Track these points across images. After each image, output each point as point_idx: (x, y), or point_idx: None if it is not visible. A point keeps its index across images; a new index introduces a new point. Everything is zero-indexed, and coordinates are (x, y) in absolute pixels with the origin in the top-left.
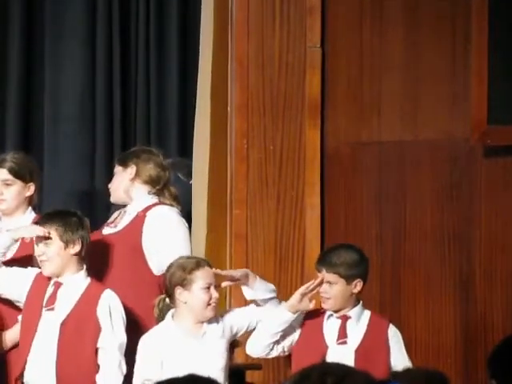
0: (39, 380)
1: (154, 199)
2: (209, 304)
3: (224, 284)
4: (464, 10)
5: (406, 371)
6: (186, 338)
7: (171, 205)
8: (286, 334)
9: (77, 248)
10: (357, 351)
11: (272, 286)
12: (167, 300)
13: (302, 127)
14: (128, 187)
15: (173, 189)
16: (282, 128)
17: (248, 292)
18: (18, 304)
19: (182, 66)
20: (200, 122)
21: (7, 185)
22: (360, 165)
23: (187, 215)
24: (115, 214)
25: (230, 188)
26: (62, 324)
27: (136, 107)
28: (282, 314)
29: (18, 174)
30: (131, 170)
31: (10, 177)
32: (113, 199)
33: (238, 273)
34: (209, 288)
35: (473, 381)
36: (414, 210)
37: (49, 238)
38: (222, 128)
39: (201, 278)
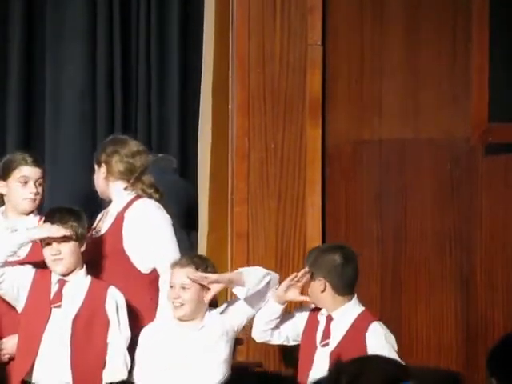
0: (52, 378)
1: (131, 195)
2: (172, 302)
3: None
4: (465, 7)
5: (420, 369)
6: (183, 332)
7: (150, 195)
8: (286, 322)
9: (84, 246)
10: (332, 353)
11: (262, 272)
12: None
13: (302, 126)
14: (105, 187)
15: (147, 177)
16: (282, 126)
17: (239, 292)
18: (15, 304)
19: (182, 66)
20: (203, 121)
21: (40, 184)
22: (361, 163)
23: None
24: (98, 217)
25: (231, 187)
26: (74, 321)
27: (137, 106)
28: (270, 304)
29: (44, 173)
30: (103, 169)
31: (42, 175)
32: (100, 196)
33: (214, 277)
34: (173, 287)
35: (474, 379)
36: (414, 208)
37: (67, 236)
38: (223, 127)
39: (171, 277)
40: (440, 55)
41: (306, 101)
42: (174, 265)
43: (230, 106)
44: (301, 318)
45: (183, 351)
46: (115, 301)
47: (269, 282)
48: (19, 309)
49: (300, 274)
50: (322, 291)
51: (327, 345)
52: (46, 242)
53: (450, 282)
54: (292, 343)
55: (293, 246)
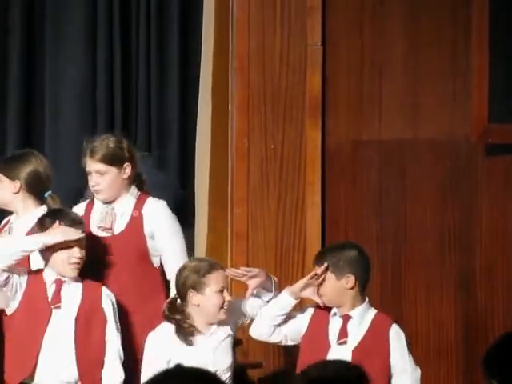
0: (57, 378)
1: (134, 192)
2: (221, 307)
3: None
4: (465, 8)
5: None
6: (193, 338)
7: (148, 193)
8: (289, 321)
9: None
10: (354, 351)
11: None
12: (178, 301)
13: (302, 126)
14: (122, 187)
15: (144, 176)
16: (282, 127)
17: (266, 295)
18: (6, 304)
19: (182, 66)
20: (202, 121)
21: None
22: (360, 163)
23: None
24: (107, 218)
25: (230, 187)
26: (76, 320)
27: (137, 107)
28: (283, 298)
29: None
30: (128, 168)
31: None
32: (106, 199)
33: (256, 270)
34: (222, 291)
35: (474, 379)
36: (414, 208)
37: (81, 238)
38: (222, 127)
39: (214, 281)
40: (440, 55)
41: (305, 101)
42: (215, 268)
43: (229, 107)
44: (303, 318)
45: (192, 359)
46: (110, 300)
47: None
48: (10, 310)
49: (320, 270)
50: (351, 288)
51: (345, 343)
52: (61, 246)
53: (450, 282)
54: (289, 343)
55: (292, 246)
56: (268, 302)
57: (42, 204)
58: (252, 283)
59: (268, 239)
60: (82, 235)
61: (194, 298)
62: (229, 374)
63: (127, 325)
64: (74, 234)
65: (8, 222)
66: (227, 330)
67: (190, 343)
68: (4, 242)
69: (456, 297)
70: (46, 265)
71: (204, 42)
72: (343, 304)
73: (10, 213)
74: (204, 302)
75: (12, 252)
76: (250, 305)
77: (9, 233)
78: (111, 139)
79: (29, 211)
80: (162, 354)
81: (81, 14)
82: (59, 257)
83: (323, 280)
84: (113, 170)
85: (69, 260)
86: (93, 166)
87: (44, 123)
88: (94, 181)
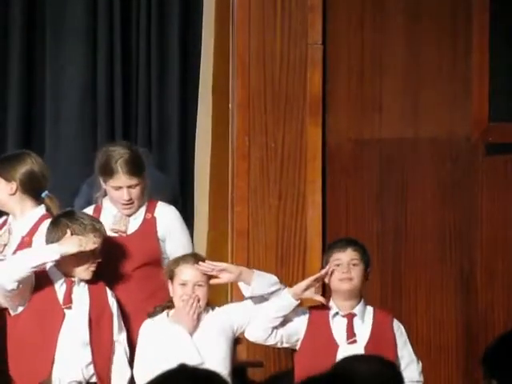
0: (74, 377)
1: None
2: (182, 300)
3: (213, 281)
4: (465, 6)
5: None
6: (177, 331)
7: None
8: (286, 322)
9: None
10: (366, 348)
11: (274, 279)
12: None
13: (303, 124)
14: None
15: None
16: (283, 125)
17: (245, 289)
18: (18, 305)
19: (183, 65)
20: (202, 120)
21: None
22: (361, 162)
23: None
24: (121, 221)
25: (231, 185)
26: (89, 319)
27: (137, 107)
28: (284, 298)
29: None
30: (145, 175)
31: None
32: (132, 211)
33: (224, 265)
34: (184, 284)
35: (474, 378)
36: (414, 207)
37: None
38: (223, 126)
39: (179, 273)
40: (440, 55)
41: (306, 100)
42: (183, 262)
43: (230, 105)
44: (300, 321)
45: (176, 353)
46: (114, 300)
47: (275, 292)
48: (15, 311)
49: (324, 271)
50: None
51: (355, 342)
52: (83, 255)
53: (451, 280)
54: (284, 345)
55: (293, 245)
56: (250, 297)
57: (39, 204)
58: (223, 278)
59: (269, 237)
60: (98, 244)
61: (170, 288)
62: (220, 368)
63: (134, 323)
64: (91, 243)
65: (5, 222)
66: (217, 328)
67: (151, 315)
68: (22, 252)
69: (456, 296)
70: (55, 266)
71: (204, 41)
72: (357, 297)
73: (6, 213)
74: (173, 293)
75: (32, 263)
76: (249, 310)
77: (9, 233)
78: (130, 149)
79: (27, 212)
80: (151, 340)
81: (81, 14)
82: (80, 264)
83: (331, 274)
84: (142, 180)
85: (89, 267)
86: (127, 181)
87: (44, 124)
88: (127, 195)
